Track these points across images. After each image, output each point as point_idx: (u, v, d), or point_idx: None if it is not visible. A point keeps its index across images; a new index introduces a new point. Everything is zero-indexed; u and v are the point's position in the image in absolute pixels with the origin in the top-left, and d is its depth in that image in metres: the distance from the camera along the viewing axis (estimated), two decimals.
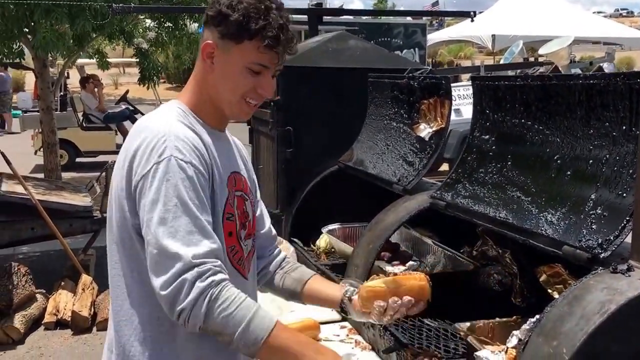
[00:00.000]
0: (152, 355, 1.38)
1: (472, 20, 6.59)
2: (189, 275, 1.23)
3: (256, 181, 1.63)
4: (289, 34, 1.40)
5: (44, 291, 4.79)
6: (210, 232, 1.29)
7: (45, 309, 4.59)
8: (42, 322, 4.51)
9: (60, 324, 4.45)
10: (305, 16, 4.18)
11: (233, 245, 1.43)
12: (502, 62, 12.12)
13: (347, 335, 2.14)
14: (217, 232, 1.34)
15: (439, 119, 2.32)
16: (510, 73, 8.80)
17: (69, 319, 4.40)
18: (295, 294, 1.61)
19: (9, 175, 5.24)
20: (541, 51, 9.68)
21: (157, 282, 1.25)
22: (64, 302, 4.57)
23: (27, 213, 4.75)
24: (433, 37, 18.58)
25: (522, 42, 12.22)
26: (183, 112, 1.42)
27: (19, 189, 4.87)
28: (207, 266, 1.24)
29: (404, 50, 14.08)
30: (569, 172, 1.66)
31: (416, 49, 14.72)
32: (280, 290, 1.63)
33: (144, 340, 1.38)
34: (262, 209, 1.64)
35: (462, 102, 7.76)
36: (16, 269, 4.61)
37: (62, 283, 4.81)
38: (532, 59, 13.04)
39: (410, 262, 2.40)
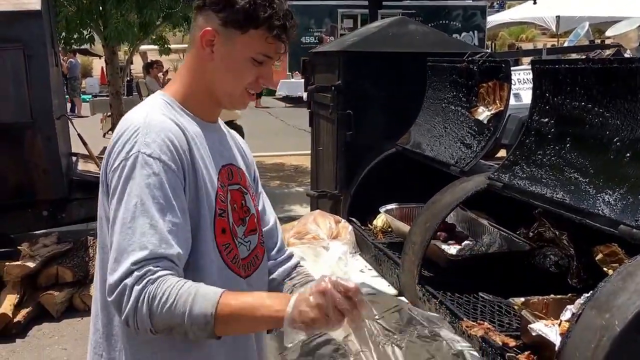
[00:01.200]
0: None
1: (535, 3, 6.47)
2: (128, 281, 1.16)
3: (258, 175, 1.55)
4: (293, 21, 1.33)
5: None
6: (165, 234, 1.20)
7: None
8: None
9: None
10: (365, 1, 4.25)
11: (227, 242, 1.33)
12: (566, 44, 11.77)
13: None
14: (203, 229, 1.28)
15: (497, 102, 2.36)
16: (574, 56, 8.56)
17: None
18: None
19: (83, 155, 5.56)
20: (608, 33, 9.37)
21: (107, 287, 1.20)
22: None
23: None
24: (493, 20, 18.15)
25: (588, 24, 11.79)
26: (166, 103, 1.35)
27: (94, 168, 5.17)
28: (146, 268, 1.17)
29: (463, 33, 13.87)
30: (628, 154, 1.69)
31: (475, 31, 14.48)
32: None
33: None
34: (264, 205, 1.54)
35: (522, 87, 7.52)
36: (91, 242, 4.91)
37: None
38: (598, 42, 12.60)
39: (466, 242, 2.47)
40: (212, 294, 1.17)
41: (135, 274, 1.16)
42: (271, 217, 1.54)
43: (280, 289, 1.48)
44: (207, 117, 1.40)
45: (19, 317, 4.23)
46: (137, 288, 1.16)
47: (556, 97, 1.97)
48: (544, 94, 2.03)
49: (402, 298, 2.30)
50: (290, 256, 1.55)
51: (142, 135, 1.25)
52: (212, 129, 1.41)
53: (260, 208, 1.50)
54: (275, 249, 1.53)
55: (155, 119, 1.28)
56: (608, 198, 1.66)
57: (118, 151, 1.26)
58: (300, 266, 1.56)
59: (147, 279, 1.16)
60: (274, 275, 1.51)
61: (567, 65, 1.93)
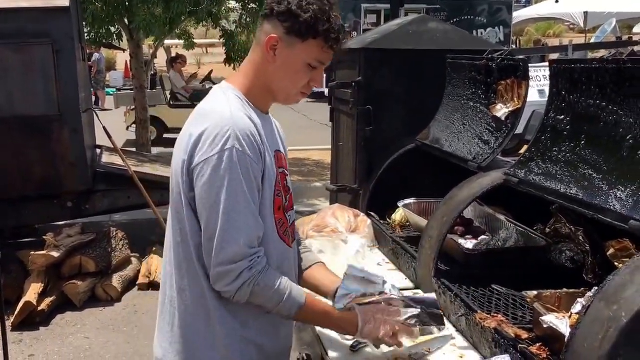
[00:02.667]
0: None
1: (557, 1, 6.42)
2: (242, 264, 1.47)
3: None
4: (345, 35, 1.59)
5: (138, 255, 5.21)
6: (258, 220, 1.51)
7: (139, 271, 5.01)
8: (137, 283, 4.93)
9: (152, 286, 4.85)
10: None
11: (280, 218, 1.60)
12: (592, 40, 11.61)
13: None
14: (267, 209, 1.55)
15: (515, 99, 2.39)
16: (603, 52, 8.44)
17: (160, 282, 4.79)
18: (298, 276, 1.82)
19: (108, 148, 5.68)
20: (636, 29, 9.23)
21: (214, 259, 1.47)
22: (155, 266, 4.96)
23: (124, 183, 5.16)
24: (519, 15, 17.93)
25: (616, 20, 11.61)
26: (238, 98, 1.56)
27: (117, 160, 5.28)
28: (255, 256, 1.49)
29: (488, 29, 13.75)
30: None
31: (501, 27, 14.33)
32: None
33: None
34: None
35: (548, 84, 7.49)
36: (114, 233, 5.03)
37: (154, 249, 5.21)
38: (626, 38, 12.40)
39: (482, 237, 2.50)
40: (299, 296, 1.58)
41: (249, 262, 1.48)
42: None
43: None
44: (264, 109, 1.63)
45: (43, 306, 4.36)
46: (247, 274, 1.48)
47: (572, 96, 1.99)
48: (560, 92, 2.06)
49: (419, 291, 2.36)
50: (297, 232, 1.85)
51: (233, 131, 1.46)
52: (266, 119, 1.64)
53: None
54: None
55: (240, 117, 1.50)
56: (620, 194, 1.69)
57: (210, 142, 1.46)
58: (301, 239, 1.89)
59: (255, 268, 1.49)
60: None
61: (582, 65, 1.95)
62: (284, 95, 1.61)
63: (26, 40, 4.81)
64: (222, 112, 1.51)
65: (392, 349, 1.75)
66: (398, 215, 2.92)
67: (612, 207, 1.69)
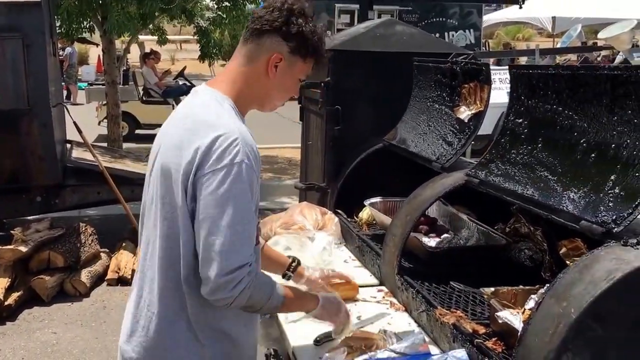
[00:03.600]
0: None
1: (520, 7, 6.57)
2: (244, 271, 1.50)
3: None
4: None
5: (107, 250, 5.19)
6: (257, 232, 1.60)
7: (108, 266, 4.99)
8: (105, 278, 4.91)
9: (121, 281, 4.84)
10: None
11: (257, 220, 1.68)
12: (559, 45, 11.87)
13: (383, 297, 2.34)
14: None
15: (478, 102, 2.46)
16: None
17: (129, 277, 4.78)
18: None
19: (78, 143, 5.64)
20: (601, 35, 9.46)
21: (218, 269, 1.48)
22: (124, 261, 4.95)
23: (94, 178, 5.14)
24: (490, 18, 18.19)
25: (582, 26, 11.91)
26: (233, 109, 1.61)
27: (88, 156, 5.25)
28: (253, 265, 1.53)
29: (458, 32, 13.93)
30: (593, 155, 1.79)
31: (471, 30, 14.51)
32: None
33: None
34: None
35: None
36: (83, 229, 5.00)
37: (123, 244, 5.20)
38: (591, 43, 12.70)
39: (445, 235, 2.57)
40: (281, 293, 1.66)
41: (249, 267, 1.51)
42: None
43: None
44: (244, 115, 1.69)
45: (10, 301, 4.31)
46: (247, 279, 1.51)
47: (530, 100, 2.07)
48: (519, 97, 2.13)
49: (383, 287, 2.42)
50: None
51: (242, 145, 1.51)
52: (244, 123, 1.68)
53: None
54: None
55: (245, 132, 1.56)
56: (573, 195, 1.77)
57: (220, 154, 1.49)
58: None
59: (253, 272, 1.53)
60: None
61: (540, 71, 2.03)
62: (271, 105, 1.72)
63: None
64: (228, 124, 1.54)
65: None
66: (365, 213, 2.98)
67: (565, 208, 1.77)
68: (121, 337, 1.71)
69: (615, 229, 1.59)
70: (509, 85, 2.50)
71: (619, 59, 12.20)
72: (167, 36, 9.75)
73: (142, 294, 1.66)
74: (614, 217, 1.61)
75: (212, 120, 1.55)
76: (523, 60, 14.14)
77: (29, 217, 5.43)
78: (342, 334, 1.89)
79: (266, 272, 1.78)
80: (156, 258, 1.62)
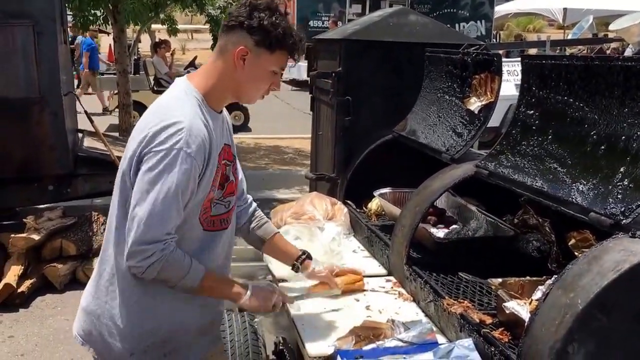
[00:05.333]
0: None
1: None
2: (158, 246, 1.63)
3: (235, 144, 1.93)
4: (303, 44, 1.81)
5: None
6: (180, 213, 1.66)
7: None
8: None
9: None
10: None
11: (206, 207, 1.76)
12: (569, 37, 11.77)
13: (392, 287, 2.36)
14: (199, 201, 1.71)
15: (488, 93, 2.46)
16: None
17: None
18: (260, 245, 2.12)
19: (90, 132, 5.67)
20: (612, 27, 9.39)
21: (134, 237, 1.62)
22: None
23: (105, 168, 5.16)
24: (501, 9, 18.04)
25: (593, 17, 11.80)
26: (198, 101, 1.71)
27: (99, 145, 5.28)
28: (170, 242, 1.65)
29: (470, 22, 13.83)
30: (603, 147, 1.79)
31: (482, 20, 14.39)
32: (250, 240, 2.12)
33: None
34: (238, 167, 1.95)
35: None
36: (95, 217, 5.04)
37: None
38: (602, 35, 12.58)
39: (454, 226, 2.58)
40: (200, 271, 1.73)
41: (163, 245, 1.64)
42: (240, 174, 1.98)
43: (245, 228, 2.09)
44: (218, 108, 1.80)
45: (23, 288, 4.36)
46: (159, 253, 1.63)
47: (541, 91, 2.07)
48: (530, 88, 2.13)
49: (391, 277, 2.43)
50: (251, 203, 2.12)
51: (186, 134, 1.62)
52: (218, 117, 1.79)
53: (240, 176, 1.96)
54: (242, 197, 2.06)
55: (196, 124, 1.66)
56: (582, 187, 1.77)
57: (163, 139, 1.62)
58: (257, 210, 2.13)
59: (167, 249, 1.65)
60: (242, 220, 2.07)
61: (552, 61, 2.02)
62: (247, 97, 1.81)
63: (6, 21, 4.76)
64: (182, 112, 1.66)
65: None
66: (374, 204, 2.99)
67: (574, 200, 1.77)
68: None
69: (624, 221, 1.59)
70: (516, 78, 2.49)
71: (628, 51, 12.10)
72: (177, 26, 9.76)
73: (105, 266, 1.82)
74: (622, 209, 1.61)
75: (169, 105, 1.71)
76: (532, 52, 14.03)
77: (41, 206, 5.47)
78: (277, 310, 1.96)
79: (273, 265, 1.83)
80: (115, 233, 1.75)
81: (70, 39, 12.39)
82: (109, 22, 7.59)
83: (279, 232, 2.18)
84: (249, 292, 1.83)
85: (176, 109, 1.68)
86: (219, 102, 1.79)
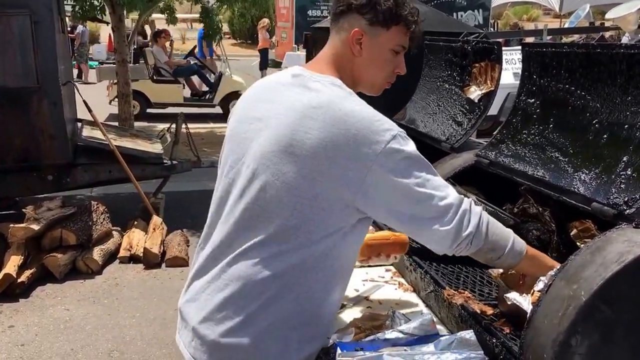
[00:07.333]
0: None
1: None
2: (465, 205, 1.47)
3: None
4: (420, 17, 1.63)
5: (119, 229, 5.23)
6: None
7: (120, 244, 5.03)
8: (117, 256, 4.95)
9: (133, 259, 4.88)
10: None
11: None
12: (566, 26, 11.70)
13: (392, 277, 2.34)
14: None
15: (488, 82, 2.43)
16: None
17: (141, 255, 4.82)
18: None
19: (89, 122, 5.65)
20: (608, 15, 9.33)
21: (438, 225, 1.46)
22: (136, 239, 4.99)
23: (105, 157, 5.16)
24: None
25: (589, 6, 11.73)
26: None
27: (99, 134, 5.27)
28: (470, 199, 1.50)
29: (467, 11, 13.77)
30: (605, 136, 1.77)
31: (480, 9, 14.32)
32: None
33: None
34: None
35: None
36: (95, 207, 5.04)
37: (135, 222, 5.23)
38: (599, 24, 12.51)
39: None
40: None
41: (466, 200, 1.47)
42: None
43: None
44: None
45: (23, 278, 4.36)
46: (476, 207, 1.50)
47: (542, 79, 2.04)
48: (531, 76, 2.10)
49: (391, 267, 2.41)
50: None
51: (385, 121, 1.45)
52: None
53: None
54: None
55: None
56: (584, 177, 1.75)
57: (370, 138, 1.40)
58: None
59: (479, 207, 1.51)
60: None
61: (553, 49, 1.99)
62: (370, 85, 1.63)
63: (4, 11, 4.74)
64: (364, 108, 1.46)
65: None
66: None
67: (576, 190, 1.75)
68: None
69: (627, 211, 1.57)
70: (514, 66, 2.46)
71: (624, 39, 12.08)
72: (176, 15, 9.70)
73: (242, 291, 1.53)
74: (625, 199, 1.60)
75: (344, 114, 1.45)
76: (530, 40, 13.97)
77: (40, 196, 5.47)
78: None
79: None
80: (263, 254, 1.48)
81: (69, 28, 12.34)
82: (105, 12, 7.53)
83: None
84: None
85: (358, 108, 1.48)
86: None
